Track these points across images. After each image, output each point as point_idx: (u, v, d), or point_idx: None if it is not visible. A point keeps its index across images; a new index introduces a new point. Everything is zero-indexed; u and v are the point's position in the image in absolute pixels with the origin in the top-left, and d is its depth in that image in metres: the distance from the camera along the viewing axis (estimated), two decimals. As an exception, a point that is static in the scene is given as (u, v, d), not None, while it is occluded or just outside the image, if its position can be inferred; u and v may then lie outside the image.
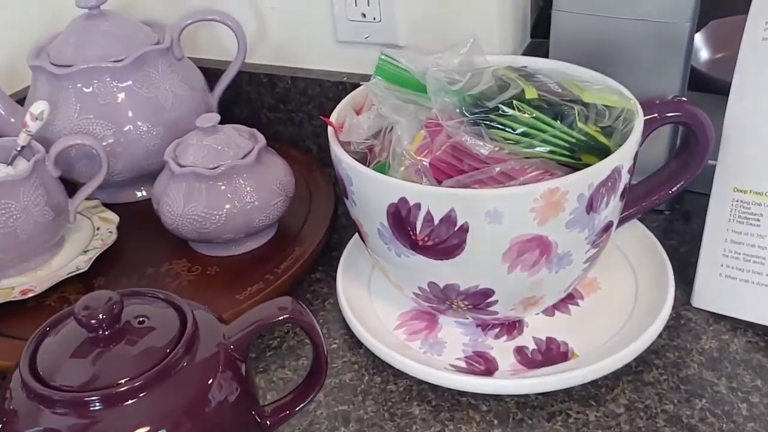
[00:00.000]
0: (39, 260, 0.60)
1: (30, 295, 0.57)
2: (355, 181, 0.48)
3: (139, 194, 0.71)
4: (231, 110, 0.78)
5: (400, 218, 0.46)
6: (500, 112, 0.47)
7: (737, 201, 0.52)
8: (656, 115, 0.51)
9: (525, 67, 0.55)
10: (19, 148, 0.60)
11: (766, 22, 0.50)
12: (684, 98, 0.53)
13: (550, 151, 0.47)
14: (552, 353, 0.52)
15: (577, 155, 0.47)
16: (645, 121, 0.50)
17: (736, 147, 0.51)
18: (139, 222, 0.66)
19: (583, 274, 0.51)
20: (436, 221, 0.45)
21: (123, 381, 0.39)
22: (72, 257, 0.61)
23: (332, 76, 0.73)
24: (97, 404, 0.38)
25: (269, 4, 0.73)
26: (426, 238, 0.46)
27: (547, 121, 0.47)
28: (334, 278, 0.59)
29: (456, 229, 0.45)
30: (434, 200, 0.44)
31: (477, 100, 0.48)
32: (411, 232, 0.46)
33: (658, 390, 0.49)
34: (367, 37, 0.70)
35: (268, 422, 0.46)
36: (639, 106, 0.50)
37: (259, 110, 0.78)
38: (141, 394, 0.39)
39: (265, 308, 0.44)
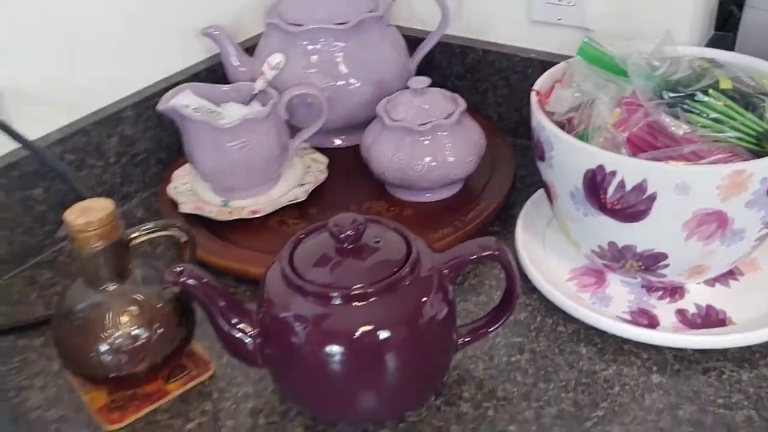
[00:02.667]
0: (264, 188, 0.71)
1: (257, 215, 0.69)
2: (555, 147, 0.55)
3: (337, 142, 0.81)
4: (421, 75, 0.87)
5: (595, 183, 0.53)
6: (696, 98, 0.53)
7: None
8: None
9: (714, 59, 0.60)
10: (255, 92, 0.71)
11: None
12: None
13: (738, 138, 0.52)
14: (711, 318, 0.58)
15: (763, 144, 0.52)
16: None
17: None
18: (339, 166, 0.76)
19: (751, 251, 0.57)
20: (628, 188, 0.51)
21: (359, 286, 0.48)
22: (289, 189, 0.72)
23: (522, 53, 0.80)
24: (337, 300, 0.48)
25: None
26: (615, 202, 0.53)
27: (738, 110, 0.52)
28: (511, 232, 0.67)
29: (644, 197, 0.51)
30: (630, 170, 0.51)
31: (674, 86, 0.54)
32: (602, 196, 0.53)
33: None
34: (559, 19, 0.77)
35: (461, 340, 0.54)
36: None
37: (448, 77, 0.86)
38: (371, 299, 0.48)
39: (472, 245, 0.53)
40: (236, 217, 0.69)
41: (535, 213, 0.67)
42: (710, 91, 0.53)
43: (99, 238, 0.51)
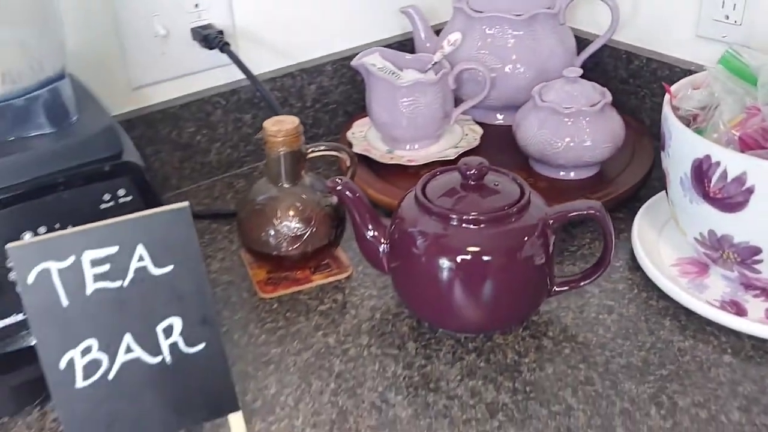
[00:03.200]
0: (424, 143, 0.83)
1: (412, 164, 0.81)
2: (674, 136, 0.62)
3: (498, 118, 0.91)
4: (587, 75, 0.94)
5: (701, 171, 0.59)
6: (813, 110, 0.57)
7: None
8: None
9: None
10: (433, 63, 0.83)
11: None
12: None
13: None
14: (799, 321, 0.61)
15: None
16: None
17: None
18: (493, 139, 0.86)
19: None
20: (729, 179, 0.57)
21: (473, 214, 0.59)
22: (444, 149, 0.83)
23: (683, 65, 0.85)
24: (454, 222, 0.59)
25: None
26: (717, 191, 0.59)
27: None
28: (633, 219, 0.73)
29: (743, 188, 0.57)
30: (732, 162, 0.57)
31: (796, 98, 0.59)
32: (706, 184, 0.59)
33: None
34: (724, 36, 0.81)
35: (556, 288, 0.63)
36: None
37: (611, 79, 0.93)
38: (481, 226, 0.58)
39: (578, 203, 0.61)
40: (395, 162, 0.81)
41: (659, 207, 0.73)
42: (829, 105, 0.57)
43: (283, 145, 0.66)
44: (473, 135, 0.86)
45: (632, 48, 0.91)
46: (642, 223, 0.72)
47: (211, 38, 0.81)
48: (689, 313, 0.64)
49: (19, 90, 0.56)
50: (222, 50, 0.81)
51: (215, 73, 0.86)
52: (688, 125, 0.63)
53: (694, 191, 0.61)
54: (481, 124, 0.89)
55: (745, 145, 0.59)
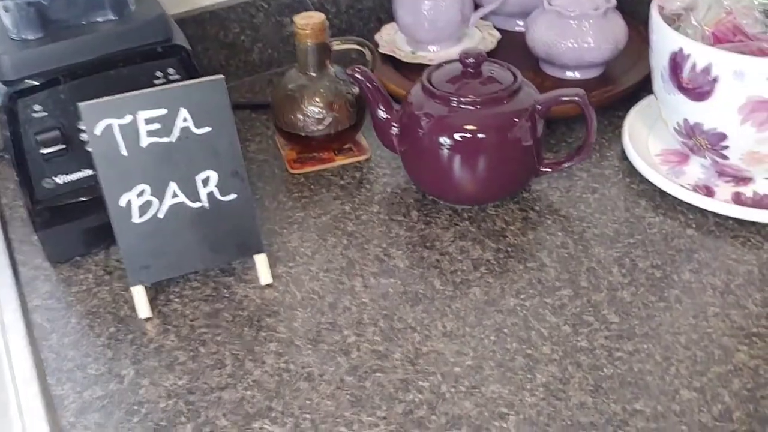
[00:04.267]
0: (444, 45, 0.91)
1: (432, 62, 0.89)
2: (655, 32, 0.69)
3: (518, 25, 0.97)
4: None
5: (675, 64, 0.66)
6: (782, 9, 0.63)
7: None
8: None
9: None
10: (455, -30, 0.90)
11: None
12: None
13: (809, 46, 0.62)
14: (761, 203, 0.69)
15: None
16: None
17: None
18: (510, 44, 0.93)
19: (810, 153, 0.66)
20: (698, 70, 0.64)
21: (471, 96, 0.67)
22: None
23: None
24: (454, 103, 0.68)
25: None
26: (688, 82, 0.66)
27: (816, 23, 0.62)
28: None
29: (710, 78, 0.64)
30: (700, 54, 0.64)
31: (769, -2, 0.65)
32: (680, 75, 0.66)
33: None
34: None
35: (542, 168, 0.72)
36: None
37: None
38: (478, 106, 0.67)
39: (564, 90, 0.69)
40: (417, 62, 0.90)
41: (654, 104, 0.80)
42: (796, 4, 0.63)
43: (310, 37, 0.75)
44: (491, 39, 0.93)
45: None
46: (635, 118, 0.79)
47: (253, -55, 0.89)
48: (664, 195, 0.71)
49: (87, -19, 0.67)
50: (263, -44, 0.89)
51: (259, -21, 0.95)
52: (672, 24, 0.69)
53: (670, 82, 0.68)
54: (501, 30, 0.96)
55: (718, 40, 0.65)
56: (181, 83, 0.60)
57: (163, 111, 0.59)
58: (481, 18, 0.95)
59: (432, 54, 0.91)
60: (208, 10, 0.92)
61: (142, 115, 0.59)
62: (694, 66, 0.65)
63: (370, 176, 0.78)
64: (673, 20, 0.70)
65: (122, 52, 0.67)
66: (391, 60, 0.91)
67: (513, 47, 0.92)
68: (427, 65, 0.89)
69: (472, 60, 0.69)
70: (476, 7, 0.93)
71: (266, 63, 0.98)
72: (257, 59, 0.97)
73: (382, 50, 0.92)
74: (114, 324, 0.63)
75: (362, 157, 0.80)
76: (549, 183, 0.75)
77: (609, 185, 0.74)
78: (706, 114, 0.67)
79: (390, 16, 1.01)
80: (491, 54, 0.91)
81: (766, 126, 0.64)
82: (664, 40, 0.67)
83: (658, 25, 0.68)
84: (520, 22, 0.97)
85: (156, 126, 0.59)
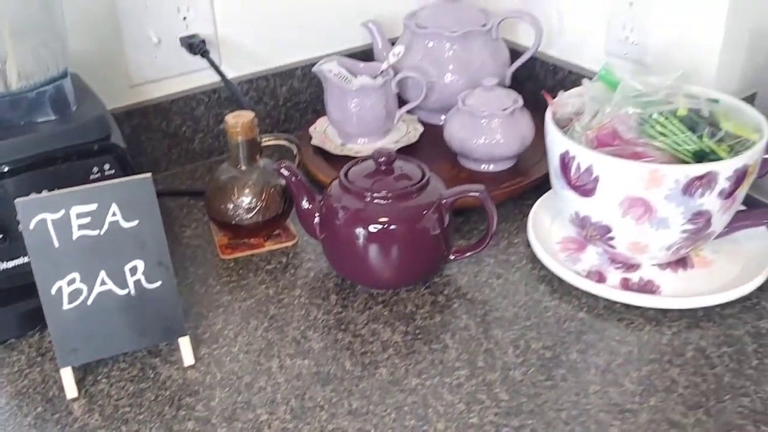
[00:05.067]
0: (372, 138, 0.99)
1: (359, 154, 0.97)
2: (548, 134, 0.77)
3: (441, 120, 1.06)
4: (524, 84, 1.09)
5: (564, 164, 0.74)
6: (654, 117, 0.72)
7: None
8: (779, 153, 0.71)
9: (716, 99, 0.77)
10: (381, 70, 0.99)
11: None
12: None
13: (676, 149, 0.71)
14: (645, 287, 0.76)
15: (701, 159, 0.70)
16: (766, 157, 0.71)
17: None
18: (432, 137, 1.01)
19: (684, 243, 0.74)
20: (582, 170, 0.72)
21: (383, 191, 0.74)
22: (388, 143, 0.99)
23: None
24: (368, 197, 0.74)
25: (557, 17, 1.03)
26: (576, 180, 0.73)
27: (681, 129, 0.71)
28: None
29: (592, 178, 0.72)
30: (583, 156, 0.71)
31: (645, 106, 0.73)
32: (568, 174, 0.74)
33: (715, 338, 0.71)
34: (626, 54, 0.96)
35: (450, 256, 0.78)
36: (763, 143, 0.70)
37: (541, 87, 1.07)
38: (390, 200, 0.74)
39: (467, 187, 0.77)
40: (345, 154, 0.97)
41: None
42: (664, 113, 0.71)
43: (240, 134, 0.82)
44: (414, 132, 1.01)
45: (558, 61, 1.05)
46: (540, 207, 0.87)
47: (195, 46, 0.97)
48: (561, 280, 0.78)
49: (31, 85, 0.73)
50: (203, 56, 0.97)
51: (200, 75, 1.02)
52: (565, 126, 0.78)
53: (562, 179, 0.76)
54: (425, 123, 1.04)
55: (600, 144, 0.73)
56: (111, 181, 0.66)
57: (94, 206, 0.65)
58: (408, 112, 1.03)
59: (360, 146, 0.99)
60: (152, 103, 0.99)
61: (75, 210, 0.64)
62: (579, 166, 0.72)
63: (296, 261, 0.84)
64: (566, 123, 0.79)
65: (62, 149, 0.73)
66: (321, 151, 0.99)
67: (435, 139, 1.00)
68: (355, 157, 0.97)
69: (384, 158, 0.76)
70: (402, 102, 1.01)
71: (207, 151, 1.04)
72: (198, 148, 1.04)
73: (314, 142, 0.99)
74: (42, 404, 0.67)
75: (289, 243, 0.86)
76: (459, 268, 0.81)
77: (513, 270, 0.81)
78: (593, 208, 0.74)
79: (324, 108, 1.09)
80: (415, 146, 0.99)
81: (644, 219, 0.72)
82: (554, 142, 0.75)
83: (550, 129, 0.76)
84: (442, 117, 1.05)
85: (87, 220, 0.65)
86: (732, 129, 0.71)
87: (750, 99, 0.87)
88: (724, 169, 0.69)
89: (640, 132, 0.72)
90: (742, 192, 0.72)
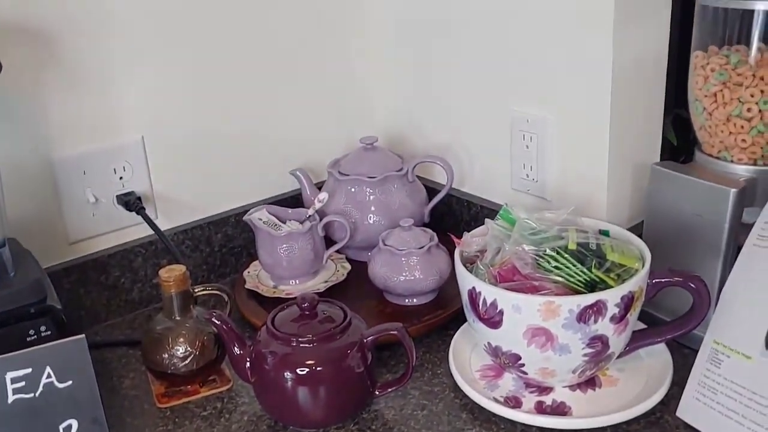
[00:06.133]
0: (303, 279, 1.05)
1: (291, 296, 1.02)
2: (457, 272, 0.84)
3: (368, 256, 1.13)
4: (443, 218, 1.18)
5: (473, 298, 0.81)
6: (547, 252, 0.80)
7: (713, 349, 0.77)
8: (662, 279, 0.79)
9: (605, 230, 0.86)
10: (308, 215, 1.06)
11: (762, 228, 0.76)
12: (698, 276, 0.80)
13: (569, 281, 0.78)
14: (558, 409, 0.81)
15: (593, 288, 0.78)
16: (652, 282, 0.79)
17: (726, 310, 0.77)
18: (360, 273, 1.07)
19: (588, 366, 0.80)
20: (488, 304, 0.79)
21: (309, 335, 0.80)
22: (318, 283, 1.05)
23: (503, 210, 1.09)
24: (294, 343, 0.79)
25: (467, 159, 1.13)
26: (484, 314, 0.80)
27: (573, 263, 0.79)
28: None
29: (497, 311, 0.78)
30: (487, 292, 0.79)
31: (539, 242, 0.81)
32: (477, 308, 0.81)
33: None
34: (528, 190, 1.06)
35: (376, 392, 0.83)
36: (645, 271, 0.79)
37: (459, 222, 1.16)
38: (314, 344, 0.79)
39: (386, 325, 0.82)
40: (277, 296, 1.03)
41: (475, 323, 0.94)
42: (557, 249, 0.80)
43: (173, 287, 0.87)
44: (343, 271, 1.07)
45: (470, 197, 1.15)
46: (460, 337, 0.93)
47: (131, 204, 1.04)
48: (481, 408, 0.83)
49: (-31, 256, 0.78)
50: (138, 213, 1.03)
51: (137, 229, 1.08)
52: (472, 263, 0.85)
53: (472, 313, 0.82)
54: (353, 260, 1.11)
55: (503, 279, 0.81)
56: (45, 345, 0.70)
57: (29, 370, 0.68)
58: (336, 251, 1.10)
59: (291, 287, 1.05)
60: (91, 258, 1.04)
61: (10, 375, 0.68)
62: (485, 301, 0.79)
63: (230, 405, 0.87)
64: (473, 260, 0.86)
65: (-1, 315, 0.77)
66: (255, 294, 1.04)
67: (363, 276, 1.07)
68: (287, 298, 1.02)
69: (307, 304, 0.82)
70: (330, 243, 1.08)
71: (146, 300, 1.09)
72: (137, 297, 1.08)
73: (247, 286, 1.05)
74: None
75: (224, 387, 0.90)
76: (386, 402, 0.86)
77: (437, 401, 0.86)
78: (501, 339, 0.80)
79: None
80: (344, 283, 1.05)
81: (547, 347, 0.78)
82: (462, 279, 0.83)
83: (458, 267, 0.84)
84: (369, 253, 1.13)
85: (22, 384, 0.68)
86: (617, 259, 0.80)
87: (639, 226, 0.97)
88: (612, 297, 0.76)
89: (536, 267, 0.80)
90: (633, 315, 0.80)
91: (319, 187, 1.17)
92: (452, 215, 1.17)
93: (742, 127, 0.85)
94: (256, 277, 1.08)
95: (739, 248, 0.81)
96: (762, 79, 0.83)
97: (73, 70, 0.99)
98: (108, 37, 1.01)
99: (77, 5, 0.97)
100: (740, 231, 0.85)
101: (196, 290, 0.90)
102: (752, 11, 0.84)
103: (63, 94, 0.99)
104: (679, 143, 1.28)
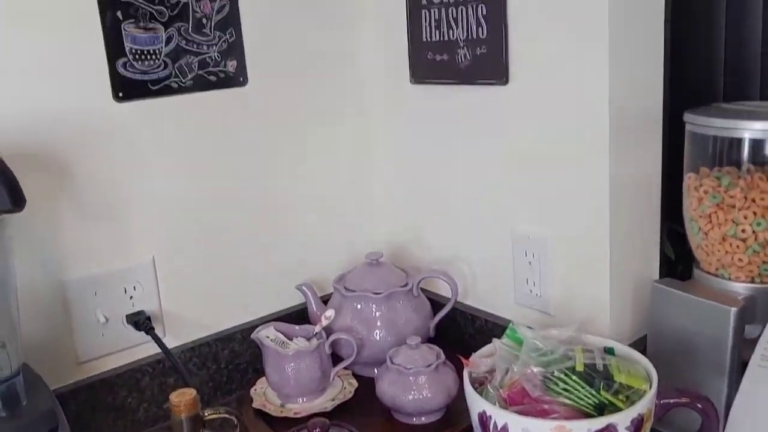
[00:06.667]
0: (310, 397, 1.05)
1: (298, 415, 1.02)
2: (467, 395, 0.85)
3: (375, 372, 1.13)
4: (447, 331, 1.19)
5: (483, 422, 0.81)
6: (555, 374, 0.81)
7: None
8: (669, 400, 0.80)
9: (611, 347, 0.88)
10: (315, 332, 1.07)
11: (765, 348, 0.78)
12: (706, 396, 0.81)
13: (579, 403, 0.79)
14: None
15: (602, 411, 0.78)
16: (660, 403, 0.80)
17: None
18: (367, 390, 1.08)
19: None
20: (499, 427, 0.79)
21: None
22: (326, 401, 1.05)
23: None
24: (305, 471, 0.79)
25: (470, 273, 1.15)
26: (495, 436, 0.81)
27: (581, 385, 0.80)
28: (468, 454, 0.94)
29: (508, 434, 0.79)
30: (498, 416, 0.79)
31: (547, 364, 0.83)
32: (488, 429, 0.81)
33: None
34: (532, 305, 1.07)
35: None
36: (653, 393, 0.80)
37: (464, 335, 1.17)
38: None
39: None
40: (284, 415, 1.02)
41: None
42: (565, 371, 0.81)
43: (183, 411, 0.87)
44: (350, 388, 1.08)
45: (475, 311, 1.17)
46: (470, 458, 0.92)
47: (140, 323, 1.05)
48: None
49: (-16, 387, 0.78)
50: (147, 333, 1.04)
51: (146, 347, 1.08)
52: (482, 383, 0.86)
53: (483, 435, 0.83)
54: (360, 376, 1.11)
55: (512, 402, 0.82)
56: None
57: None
58: (343, 368, 1.10)
59: (299, 406, 1.05)
60: (98, 378, 1.04)
61: None
62: (495, 424, 0.80)
63: None
64: (483, 380, 0.87)
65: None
66: (263, 413, 1.04)
67: (370, 393, 1.07)
68: (294, 418, 1.02)
69: (318, 428, 0.82)
70: (336, 359, 1.09)
71: (152, 420, 1.08)
72: (143, 417, 1.07)
73: (254, 405, 1.05)
74: None
75: None
76: None
77: None
78: (512, 461, 0.80)
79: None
80: (352, 401, 1.05)
81: (559, 465, 0.78)
82: (472, 402, 0.83)
83: (467, 390, 0.84)
84: (376, 370, 1.13)
85: None
86: (624, 380, 0.81)
87: (642, 341, 0.99)
88: (622, 420, 0.77)
89: (545, 389, 0.81)
90: (644, 435, 0.80)
91: (325, 300, 1.18)
92: (457, 328, 1.19)
93: (738, 246, 0.88)
94: (263, 394, 1.08)
95: (743, 364, 0.82)
96: (753, 201, 0.87)
97: (85, 194, 1.03)
98: (120, 165, 1.05)
99: (92, 135, 1.02)
100: (743, 347, 0.87)
101: (206, 414, 0.90)
102: (740, 138, 0.89)
103: (76, 219, 1.02)
104: (676, 256, 1.31)
